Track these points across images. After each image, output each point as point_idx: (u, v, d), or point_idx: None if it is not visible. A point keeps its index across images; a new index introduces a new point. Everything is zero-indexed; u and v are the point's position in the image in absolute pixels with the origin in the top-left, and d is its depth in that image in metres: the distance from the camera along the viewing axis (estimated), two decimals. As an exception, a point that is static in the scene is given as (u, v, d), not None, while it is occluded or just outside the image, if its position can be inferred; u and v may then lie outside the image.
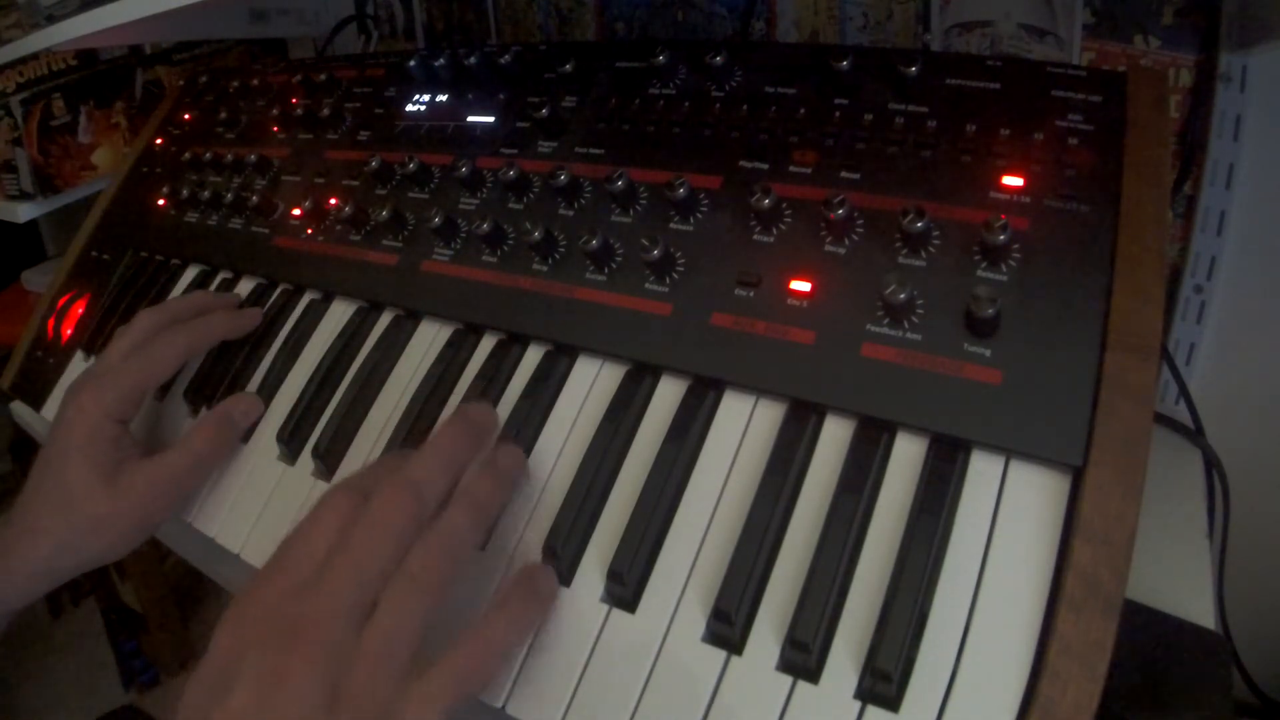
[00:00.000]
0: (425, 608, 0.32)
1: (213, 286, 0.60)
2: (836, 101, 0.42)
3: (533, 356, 0.44)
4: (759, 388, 0.38)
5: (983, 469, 0.33)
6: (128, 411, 0.47)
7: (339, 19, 0.90)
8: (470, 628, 0.33)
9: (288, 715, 0.28)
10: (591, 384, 0.42)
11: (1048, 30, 0.56)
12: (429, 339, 0.48)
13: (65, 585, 0.49)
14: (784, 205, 0.40)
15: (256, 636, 0.30)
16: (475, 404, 0.40)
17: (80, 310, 0.67)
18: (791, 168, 0.42)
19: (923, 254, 0.37)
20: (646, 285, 0.41)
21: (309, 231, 0.56)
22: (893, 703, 0.30)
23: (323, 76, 0.63)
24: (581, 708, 0.34)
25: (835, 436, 0.36)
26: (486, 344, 0.46)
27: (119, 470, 0.45)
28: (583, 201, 0.46)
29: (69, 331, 0.66)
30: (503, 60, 0.54)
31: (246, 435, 0.50)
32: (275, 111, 0.65)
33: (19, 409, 0.68)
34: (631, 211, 0.44)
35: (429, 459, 0.36)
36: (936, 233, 0.37)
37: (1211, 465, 0.51)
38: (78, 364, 0.64)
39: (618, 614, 0.35)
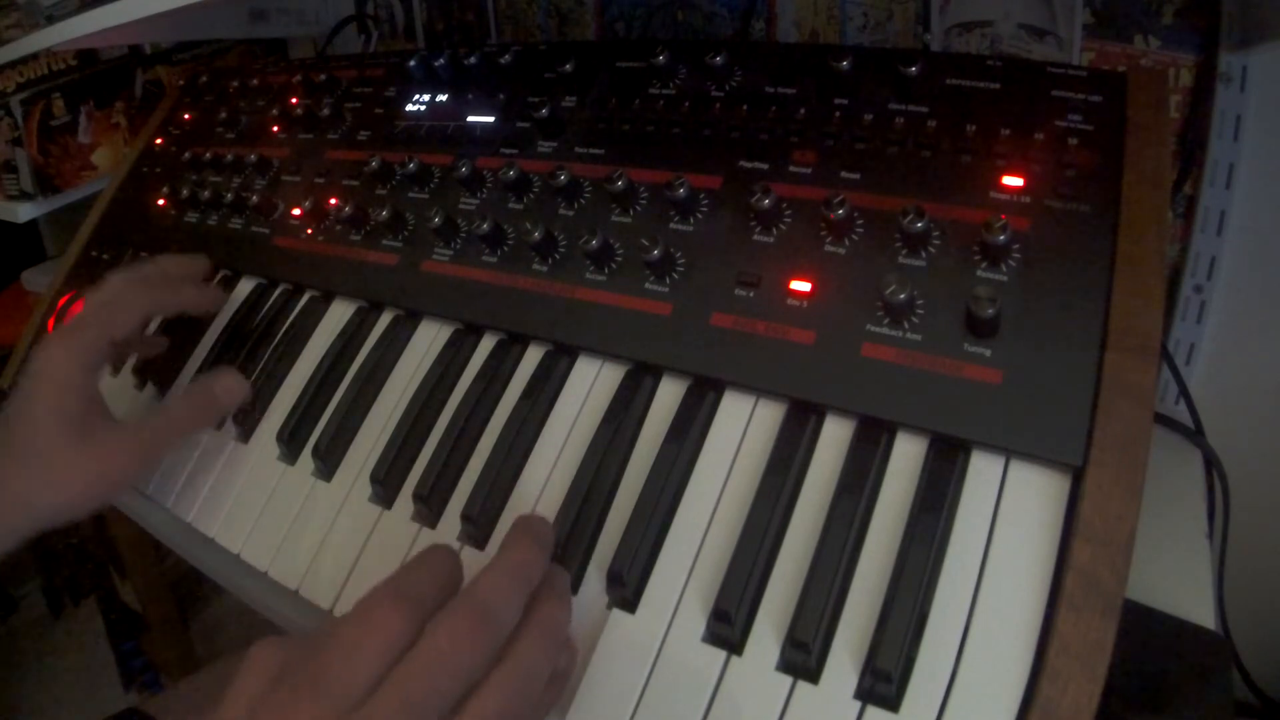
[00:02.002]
0: None
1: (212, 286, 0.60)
2: (836, 101, 0.42)
3: (533, 356, 0.44)
4: (759, 388, 0.38)
5: (983, 469, 0.33)
6: (95, 360, 0.46)
7: (339, 19, 0.90)
8: (505, 654, 0.29)
9: None
10: (591, 384, 0.42)
11: (1048, 30, 0.56)
12: (429, 339, 0.48)
13: (65, 585, 0.49)
14: (784, 205, 0.40)
15: None
16: (534, 516, 0.36)
17: (80, 310, 0.67)
18: (791, 168, 0.42)
19: (923, 254, 0.37)
20: (646, 285, 0.41)
21: (309, 231, 0.56)
22: (893, 703, 0.30)
23: (323, 76, 0.63)
24: (582, 708, 0.34)
25: (835, 436, 0.36)
26: (486, 344, 0.46)
27: (86, 424, 0.44)
28: (583, 201, 0.46)
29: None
30: (503, 60, 0.54)
31: (246, 435, 0.50)
32: (275, 111, 0.65)
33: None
34: (631, 211, 0.44)
35: (504, 580, 0.30)
36: (936, 233, 0.37)
37: (1211, 465, 0.51)
38: (78, 364, 0.64)
39: (618, 614, 0.35)
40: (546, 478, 0.40)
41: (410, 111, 0.57)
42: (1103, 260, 0.34)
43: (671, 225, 0.43)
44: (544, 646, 0.30)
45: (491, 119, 0.53)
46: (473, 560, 0.39)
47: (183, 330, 0.58)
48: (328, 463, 0.46)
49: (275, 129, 0.64)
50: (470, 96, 0.55)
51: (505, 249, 0.47)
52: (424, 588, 0.30)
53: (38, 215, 0.88)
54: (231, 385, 0.48)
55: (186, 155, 0.67)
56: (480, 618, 0.28)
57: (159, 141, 0.73)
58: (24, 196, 0.86)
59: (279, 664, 0.28)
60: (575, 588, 0.37)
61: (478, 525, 0.39)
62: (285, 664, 0.28)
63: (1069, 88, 0.38)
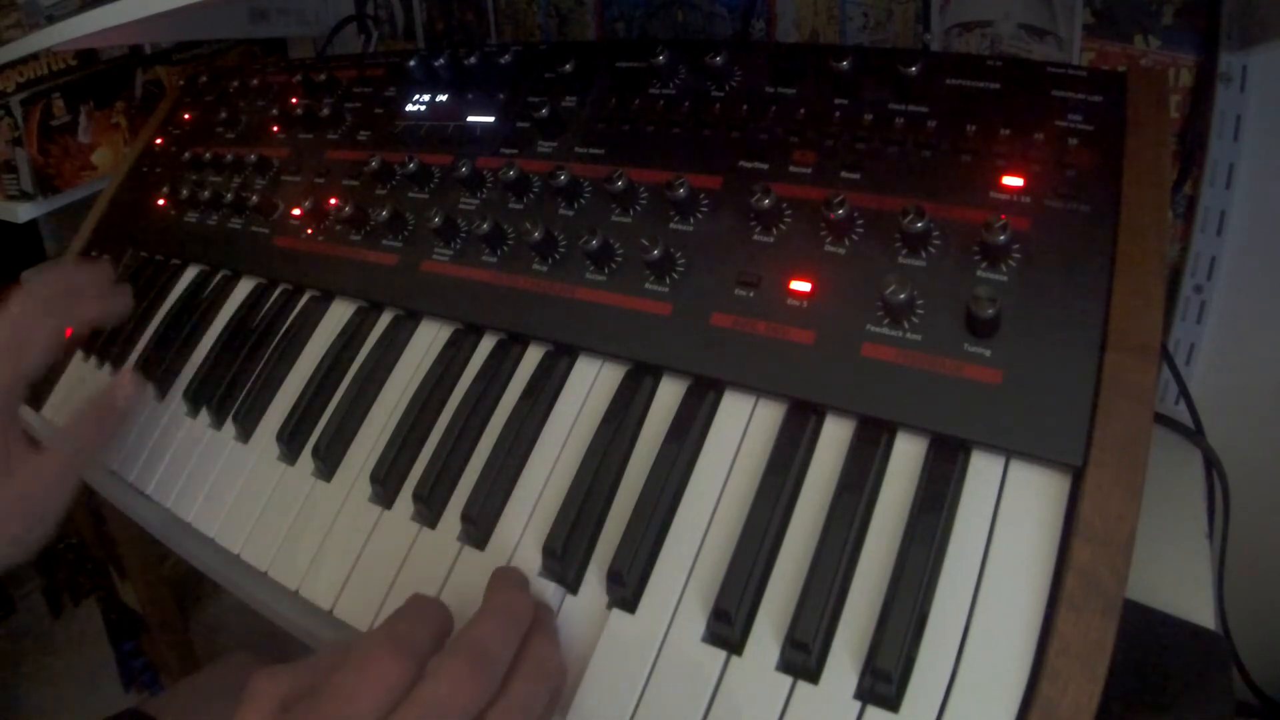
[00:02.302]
0: None
1: (212, 286, 0.60)
2: (836, 101, 0.42)
3: (533, 356, 0.44)
4: (759, 388, 0.38)
5: (983, 469, 0.33)
6: (11, 402, 0.46)
7: (339, 19, 0.90)
8: (500, 696, 0.30)
9: None
10: (591, 384, 0.42)
11: (1048, 30, 0.56)
12: (429, 339, 0.48)
13: (65, 585, 0.49)
14: (784, 205, 0.40)
15: None
16: (507, 568, 0.37)
17: None
18: (791, 168, 0.42)
19: (923, 254, 0.37)
20: (646, 285, 0.41)
21: (309, 231, 0.56)
22: (893, 703, 0.30)
23: (323, 76, 0.63)
24: (582, 708, 0.34)
25: (835, 436, 0.36)
26: (486, 344, 0.46)
27: (7, 464, 0.44)
28: (583, 201, 0.46)
29: (69, 331, 0.66)
30: (503, 60, 0.54)
31: (246, 435, 0.50)
32: (275, 111, 0.65)
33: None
34: (631, 211, 0.44)
35: (497, 625, 0.31)
36: (936, 233, 0.37)
37: (1211, 465, 0.51)
38: (77, 364, 0.64)
39: (618, 614, 0.35)
40: (546, 478, 0.40)
41: (410, 111, 0.57)
42: (1103, 260, 0.34)
43: (671, 225, 0.43)
44: (538, 681, 0.31)
45: (491, 119, 0.53)
46: (473, 560, 0.39)
47: (183, 330, 0.58)
48: (328, 463, 0.46)
49: (275, 129, 0.64)
50: (470, 96, 0.55)
51: (505, 249, 0.47)
52: (418, 634, 0.31)
53: (38, 215, 0.88)
54: (128, 390, 0.48)
55: (186, 155, 0.67)
56: (476, 660, 0.29)
57: (159, 141, 0.73)
58: (24, 196, 0.86)
59: (281, 699, 0.29)
60: (575, 588, 0.37)
61: (478, 525, 0.39)
62: (285, 702, 0.29)
63: (1069, 88, 0.38)
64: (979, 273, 0.36)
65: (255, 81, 0.68)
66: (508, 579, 0.36)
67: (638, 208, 0.44)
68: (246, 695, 0.29)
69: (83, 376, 0.63)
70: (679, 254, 0.41)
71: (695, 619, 0.34)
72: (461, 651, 0.30)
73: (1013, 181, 0.37)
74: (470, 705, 0.29)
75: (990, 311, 0.33)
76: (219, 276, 0.60)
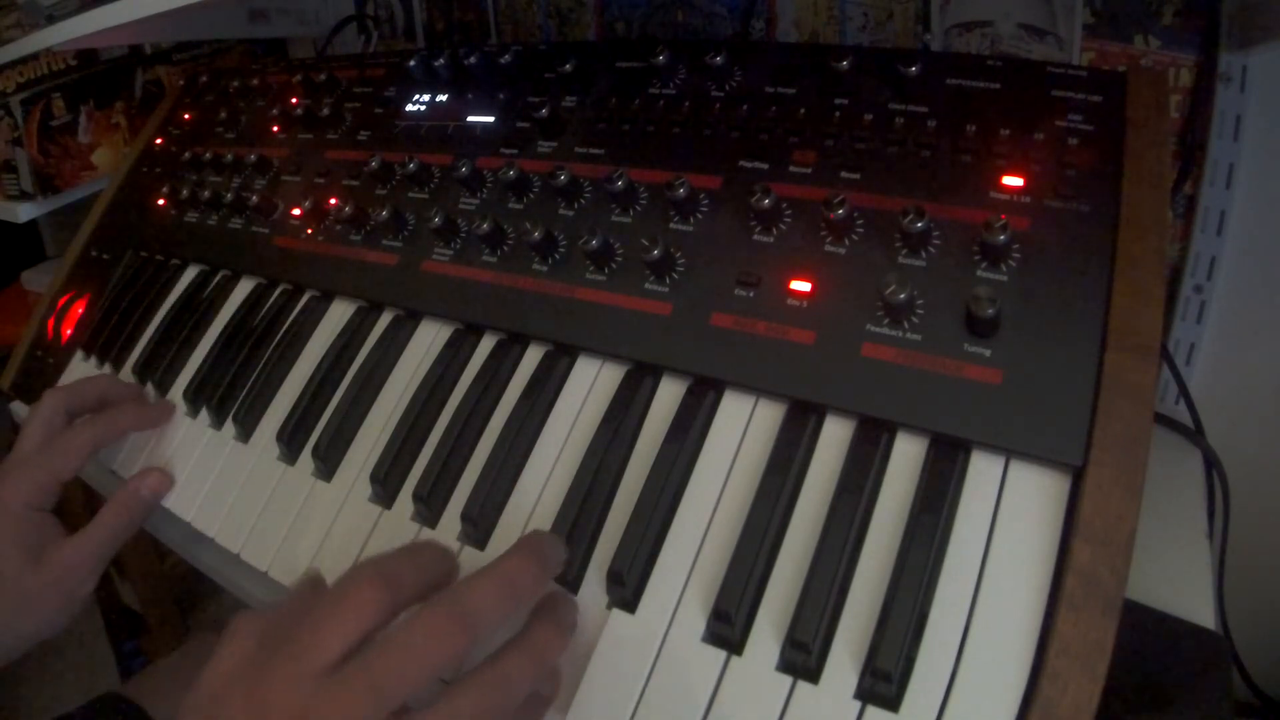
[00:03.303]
0: None
1: (212, 286, 0.60)
2: (836, 101, 0.42)
3: (533, 356, 0.44)
4: (759, 388, 0.38)
5: (983, 469, 0.33)
6: (46, 501, 0.49)
7: (339, 19, 0.90)
8: (487, 662, 0.30)
9: None
10: (591, 384, 0.42)
11: (1048, 30, 0.56)
12: (429, 339, 0.48)
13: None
14: (784, 205, 0.40)
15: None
16: (548, 535, 0.35)
17: (80, 310, 0.67)
18: (791, 168, 0.42)
19: (923, 254, 0.37)
20: (646, 285, 0.41)
21: (309, 231, 0.56)
22: (893, 703, 0.30)
23: (323, 76, 0.63)
24: (582, 708, 0.34)
25: (835, 436, 0.36)
26: (486, 344, 0.46)
27: (44, 550, 0.47)
28: (583, 201, 0.46)
29: (69, 331, 0.66)
30: (503, 60, 0.54)
31: (246, 435, 0.50)
32: (275, 111, 0.65)
33: (19, 409, 0.68)
34: (631, 211, 0.44)
35: (491, 588, 0.30)
36: (936, 233, 0.37)
37: (1211, 465, 0.51)
38: (78, 364, 0.64)
39: (618, 614, 0.35)
40: (546, 478, 0.40)
41: (410, 111, 0.57)
42: (1103, 260, 0.34)
43: (671, 225, 0.43)
44: (529, 665, 0.30)
45: (491, 119, 0.53)
46: (473, 561, 0.39)
47: (183, 330, 0.58)
48: (327, 463, 0.46)
49: (275, 129, 0.64)
50: (470, 96, 0.55)
51: (505, 249, 0.47)
52: (406, 575, 0.30)
53: (38, 215, 0.88)
54: (157, 484, 0.50)
55: (186, 155, 0.67)
56: (457, 618, 0.29)
57: (159, 141, 0.73)
58: (24, 196, 0.86)
59: (259, 633, 0.30)
60: (575, 588, 0.37)
61: (477, 525, 0.39)
62: (264, 634, 0.30)
63: (1069, 87, 0.38)
64: (979, 273, 0.36)
65: (255, 81, 0.68)
66: (530, 545, 0.33)
67: (638, 208, 0.44)
68: (226, 633, 0.30)
69: (83, 376, 0.63)
70: (679, 254, 0.41)
71: (695, 619, 0.34)
72: (445, 604, 0.29)
73: (1013, 181, 0.37)
74: (441, 661, 0.28)
75: (990, 311, 0.33)
76: (219, 276, 0.60)
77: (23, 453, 0.50)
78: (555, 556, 0.34)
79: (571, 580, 0.37)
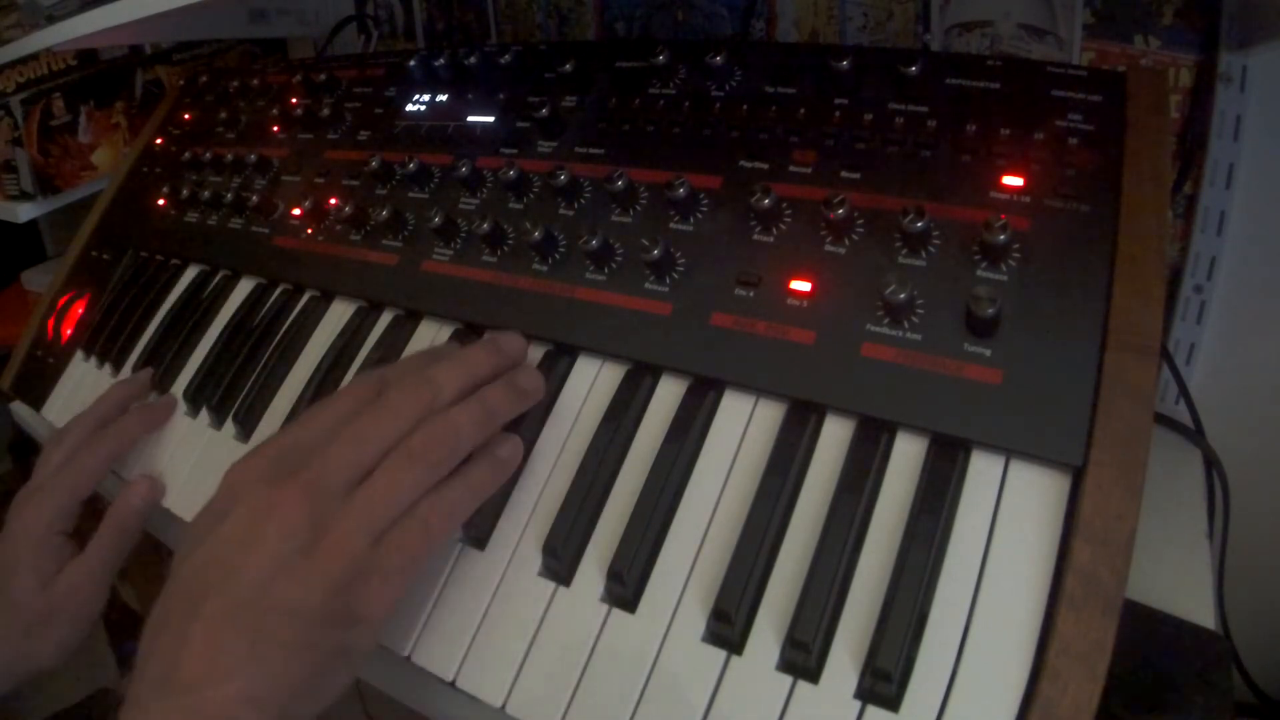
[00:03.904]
0: (415, 480, 0.34)
1: (212, 286, 0.60)
2: (836, 101, 0.42)
3: (532, 356, 0.44)
4: (759, 388, 0.38)
5: (983, 469, 0.33)
6: (68, 524, 0.49)
7: (339, 19, 0.90)
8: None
9: (270, 544, 0.31)
10: (591, 384, 0.42)
11: (1048, 30, 0.56)
12: (429, 339, 0.48)
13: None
14: (784, 205, 0.40)
15: (257, 477, 0.34)
16: (508, 334, 0.42)
17: (80, 310, 0.67)
18: (791, 168, 0.42)
19: (923, 254, 0.37)
20: (646, 285, 0.41)
21: (309, 231, 0.56)
22: (893, 702, 0.30)
23: (323, 76, 0.63)
24: (581, 708, 0.34)
25: (835, 436, 0.36)
26: (486, 344, 0.46)
27: (55, 575, 0.48)
28: (583, 201, 0.46)
29: (69, 331, 0.66)
30: (503, 60, 0.54)
31: (246, 435, 0.50)
32: (275, 111, 0.65)
33: (19, 409, 0.68)
34: (631, 211, 0.44)
35: (452, 366, 0.38)
36: (936, 233, 0.37)
37: (1211, 465, 0.51)
38: (78, 364, 0.64)
39: (618, 614, 0.35)
40: (546, 478, 0.40)
41: (410, 111, 0.57)
42: (1103, 260, 0.34)
43: (671, 225, 0.43)
44: (477, 410, 0.37)
45: (491, 119, 0.53)
46: (473, 560, 0.39)
47: (183, 330, 0.58)
48: (328, 463, 0.46)
49: (275, 129, 0.64)
50: (470, 96, 0.55)
51: (505, 249, 0.47)
52: (391, 373, 0.38)
53: (38, 215, 0.88)
54: (147, 493, 0.51)
55: (186, 155, 0.67)
56: (425, 387, 0.36)
57: (159, 141, 0.73)
58: (24, 196, 0.86)
59: (275, 453, 0.35)
60: (569, 581, 0.37)
61: (477, 526, 0.39)
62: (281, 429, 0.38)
63: (1069, 87, 0.38)
64: (979, 272, 0.36)
65: (255, 81, 0.68)
66: (496, 341, 0.41)
67: (638, 208, 0.44)
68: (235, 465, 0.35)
69: (83, 376, 0.63)
70: (679, 254, 0.41)
71: (695, 619, 0.34)
72: (412, 378, 0.37)
73: (1013, 181, 0.37)
74: (403, 425, 0.35)
75: (990, 311, 0.33)
76: (219, 276, 0.60)
77: (43, 476, 0.50)
78: (515, 351, 0.42)
79: (570, 579, 0.37)
